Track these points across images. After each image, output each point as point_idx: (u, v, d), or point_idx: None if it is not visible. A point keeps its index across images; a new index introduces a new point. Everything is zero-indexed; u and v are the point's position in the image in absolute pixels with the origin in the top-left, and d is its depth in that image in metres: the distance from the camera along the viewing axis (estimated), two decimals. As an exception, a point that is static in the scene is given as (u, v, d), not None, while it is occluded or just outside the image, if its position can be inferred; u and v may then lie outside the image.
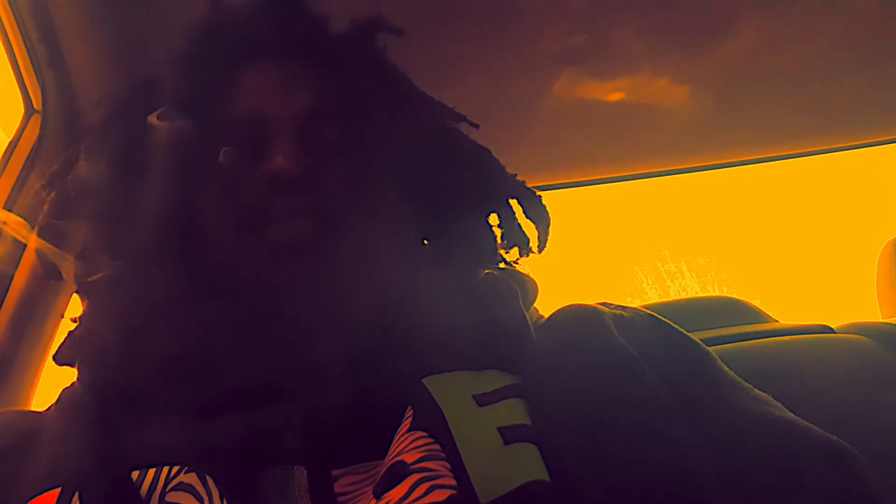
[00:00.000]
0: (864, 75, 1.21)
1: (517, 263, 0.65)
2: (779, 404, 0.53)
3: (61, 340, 0.58)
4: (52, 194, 0.62)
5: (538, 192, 0.64)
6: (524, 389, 0.48)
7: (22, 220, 0.84)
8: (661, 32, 1.06)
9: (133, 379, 0.50)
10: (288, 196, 0.51)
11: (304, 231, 0.51)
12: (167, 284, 0.53)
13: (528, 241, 0.64)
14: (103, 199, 0.58)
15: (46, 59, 0.90)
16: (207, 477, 0.44)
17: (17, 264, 0.84)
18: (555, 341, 0.53)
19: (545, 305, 0.61)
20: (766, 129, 1.33)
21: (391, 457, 0.44)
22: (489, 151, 0.64)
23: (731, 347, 1.06)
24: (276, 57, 0.59)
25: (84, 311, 0.58)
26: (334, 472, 0.45)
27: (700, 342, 0.57)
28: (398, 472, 0.42)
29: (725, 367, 0.56)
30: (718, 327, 1.18)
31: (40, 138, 0.92)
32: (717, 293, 4.03)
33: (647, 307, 1.23)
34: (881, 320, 1.34)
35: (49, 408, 0.55)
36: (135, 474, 0.44)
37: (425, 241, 0.63)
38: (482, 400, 0.46)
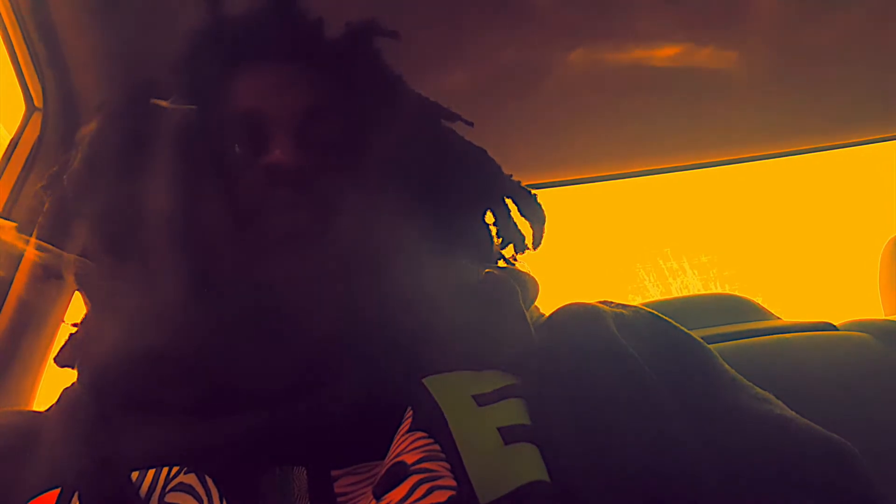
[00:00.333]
0: (867, 71, 1.20)
1: (516, 261, 0.65)
2: (780, 403, 0.53)
3: (62, 342, 0.58)
4: (53, 194, 0.62)
5: (533, 191, 0.65)
6: (524, 389, 0.48)
7: (17, 223, 0.84)
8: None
9: (133, 379, 0.49)
10: (286, 189, 0.53)
11: (302, 223, 0.53)
12: (167, 284, 0.53)
13: (524, 239, 0.64)
14: (104, 199, 0.58)
15: (47, 57, 0.90)
16: (207, 478, 0.44)
17: (18, 264, 0.84)
18: (555, 341, 0.53)
19: (547, 303, 0.61)
20: (766, 126, 1.33)
21: (391, 457, 0.44)
22: (485, 151, 0.65)
23: (734, 345, 1.06)
24: (274, 59, 0.61)
25: (86, 314, 0.59)
26: (334, 473, 0.45)
27: (701, 341, 0.57)
28: (398, 473, 0.42)
29: (727, 366, 0.56)
30: (720, 325, 1.18)
31: (41, 136, 0.92)
32: (719, 291, 4.03)
33: (648, 305, 1.23)
34: (884, 317, 1.33)
35: (49, 408, 0.55)
36: (134, 475, 0.44)
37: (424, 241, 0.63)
38: (482, 400, 0.46)
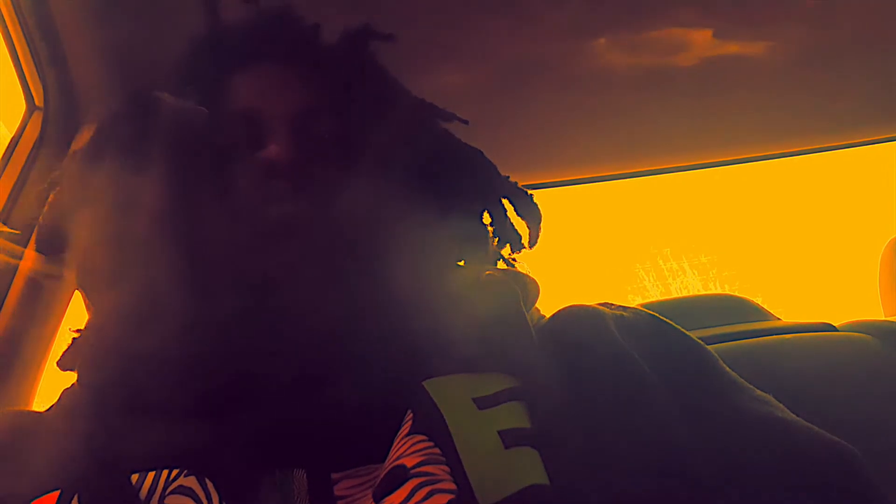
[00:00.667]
0: (867, 71, 1.20)
1: (516, 262, 0.66)
2: (780, 405, 0.53)
3: (62, 343, 0.58)
4: (54, 194, 0.62)
5: (530, 191, 0.66)
6: (524, 392, 0.48)
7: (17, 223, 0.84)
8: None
9: (132, 380, 0.49)
10: (282, 181, 0.55)
11: (299, 213, 0.54)
12: (167, 283, 0.53)
13: (521, 238, 0.65)
14: (104, 199, 0.58)
15: (48, 56, 0.90)
16: (207, 480, 0.44)
17: (18, 264, 0.84)
18: (555, 343, 0.53)
19: (547, 305, 0.61)
20: (766, 126, 1.33)
21: (391, 460, 0.44)
22: (481, 152, 0.66)
23: (733, 345, 1.06)
24: (272, 62, 0.62)
25: (89, 318, 0.59)
26: (334, 476, 0.45)
27: (701, 343, 0.57)
28: (398, 476, 0.42)
29: (727, 368, 0.56)
30: (720, 325, 1.18)
31: (42, 135, 0.92)
32: (719, 291, 4.04)
33: (648, 305, 1.23)
34: (883, 318, 1.34)
35: (49, 408, 0.55)
36: (134, 477, 0.44)
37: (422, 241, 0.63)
38: (482, 403, 0.46)
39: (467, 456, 0.42)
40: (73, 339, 0.57)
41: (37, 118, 0.93)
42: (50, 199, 0.63)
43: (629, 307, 0.59)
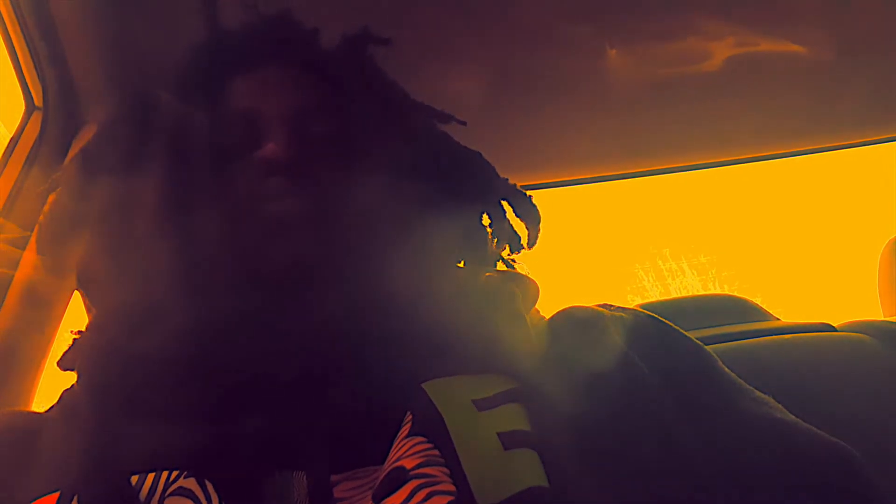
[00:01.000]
0: (867, 72, 1.20)
1: (515, 263, 0.66)
2: (780, 406, 0.53)
3: (62, 343, 0.58)
4: (54, 194, 0.62)
5: (530, 192, 0.67)
6: (524, 394, 0.48)
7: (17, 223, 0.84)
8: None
9: (133, 381, 0.49)
10: (280, 178, 0.55)
11: (297, 210, 0.54)
12: (167, 283, 0.53)
13: (520, 239, 0.66)
14: (104, 199, 0.58)
15: (47, 55, 0.90)
16: (207, 482, 0.44)
17: (18, 265, 0.84)
18: (555, 345, 0.53)
19: (547, 305, 0.61)
20: (766, 126, 1.33)
21: (390, 462, 0.44)
22: (479, 154, 0.66)
23: (733, 346, 1.06)
24: (271, 64, 0.63)
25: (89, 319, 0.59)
26: (334, 478, 0.45)
27: (701, 344, 0.57)
28: (397, 478, 0.41)
29: (726, 369, 0.56)
30: (719, 325, 1.18)
31: (41, 135, 0.92)
32: (718, 291, 4.04)
33: (648, 305, 1.23)
34: (882, 318, 1.34)
35: (49, 409, 0.55)
36: (134, 478, 0.44)
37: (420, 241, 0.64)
38: (482, 405, 0.46)
39: (467, 458, 0.42)
40: (74, 339, 0.57)
41: (36, 118, 0.93)
42: (50, 200, 0.63)
43: (628, 308, 0.59)
